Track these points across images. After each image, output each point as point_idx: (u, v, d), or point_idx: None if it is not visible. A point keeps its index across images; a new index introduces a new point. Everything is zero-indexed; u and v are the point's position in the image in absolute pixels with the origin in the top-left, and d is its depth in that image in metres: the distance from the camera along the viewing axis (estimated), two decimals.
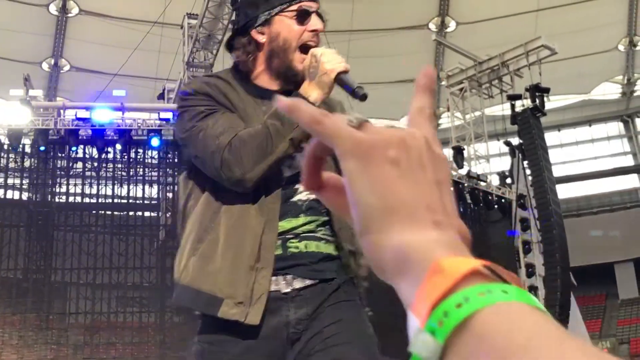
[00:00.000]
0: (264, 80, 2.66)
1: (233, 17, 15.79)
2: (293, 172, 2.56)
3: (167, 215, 17.64)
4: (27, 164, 17.37)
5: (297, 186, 2.59)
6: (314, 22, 2.58)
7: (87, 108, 16.62)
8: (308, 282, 2.55)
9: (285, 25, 2.58)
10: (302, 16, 2.57)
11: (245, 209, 2.51)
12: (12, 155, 17.05)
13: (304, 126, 0.69)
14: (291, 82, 2.57)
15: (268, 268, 2.49)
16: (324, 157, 0.74)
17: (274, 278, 2.50)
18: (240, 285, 2.46)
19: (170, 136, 16.16)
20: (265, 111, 2.52)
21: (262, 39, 2.61)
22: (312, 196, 2.55)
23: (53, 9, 24.75)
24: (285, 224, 2.56)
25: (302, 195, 2.61)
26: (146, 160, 17.65)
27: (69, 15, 24.96)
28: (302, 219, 2.59)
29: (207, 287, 2.47)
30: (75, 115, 16.58)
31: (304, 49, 2.57)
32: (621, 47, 28.75)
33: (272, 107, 2.46)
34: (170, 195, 17.39)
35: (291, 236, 2.56)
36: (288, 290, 2.53)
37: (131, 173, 17.63)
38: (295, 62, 2.57)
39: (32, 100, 16.62)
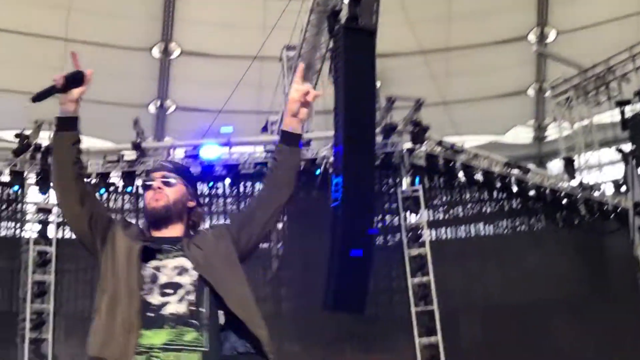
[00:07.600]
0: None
1: (331, 45, 15.87)
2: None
3: (279, 245, 17.63)
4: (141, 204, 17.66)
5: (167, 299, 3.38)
6: (155, 183, 3.62)
7: (195, 146, 16.91)
8: None
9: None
10: (145, 187, 3.68)
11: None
12: (126, 197, 17.40)
13: None
14: (156, 221, 3.59)
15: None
16: None
17: None
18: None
19: None
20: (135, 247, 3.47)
21: None
22: (182, 309, 3.31)
23: (156, 52, 25.39)
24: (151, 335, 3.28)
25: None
26: (255, 193, 17.72)
27: (171, 57, 25.55)
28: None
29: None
30: (184, 153, 16.93)
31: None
32: None
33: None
34: (280, 225, 17.29)
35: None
36: None
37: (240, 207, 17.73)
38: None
39: (142, 141, 17.00)
